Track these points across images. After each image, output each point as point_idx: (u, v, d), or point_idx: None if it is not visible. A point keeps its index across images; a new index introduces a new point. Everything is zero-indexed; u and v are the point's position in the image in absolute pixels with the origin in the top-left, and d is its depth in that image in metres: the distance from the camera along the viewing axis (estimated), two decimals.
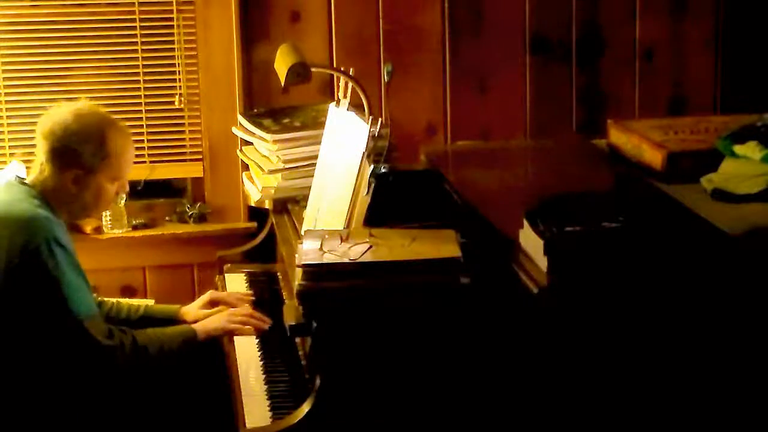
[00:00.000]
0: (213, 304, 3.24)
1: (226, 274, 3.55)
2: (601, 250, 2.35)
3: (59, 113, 3.01)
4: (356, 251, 2.56)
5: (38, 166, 3.01)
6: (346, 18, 3.96)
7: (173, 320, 3.22)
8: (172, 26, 3.89)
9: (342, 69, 3.35)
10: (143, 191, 4.01)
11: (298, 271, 2.53)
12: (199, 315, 3.21)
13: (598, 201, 2.62)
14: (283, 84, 3.32)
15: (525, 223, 2.45)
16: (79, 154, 2.96)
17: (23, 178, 3.05)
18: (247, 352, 2.98)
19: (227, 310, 3.10)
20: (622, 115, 3.91)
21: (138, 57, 3.89)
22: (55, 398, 2.86)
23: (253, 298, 3.27)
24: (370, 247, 2.58)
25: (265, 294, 3.36)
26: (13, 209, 2.91)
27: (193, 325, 3.03)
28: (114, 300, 3.30)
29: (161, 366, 2.96)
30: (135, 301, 3.33)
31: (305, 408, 2.50)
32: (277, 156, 3.52)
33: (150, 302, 3.38)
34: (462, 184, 2.99)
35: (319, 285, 2.51)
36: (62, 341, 2.85)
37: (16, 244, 2.85)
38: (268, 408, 2.69)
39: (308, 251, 2.58)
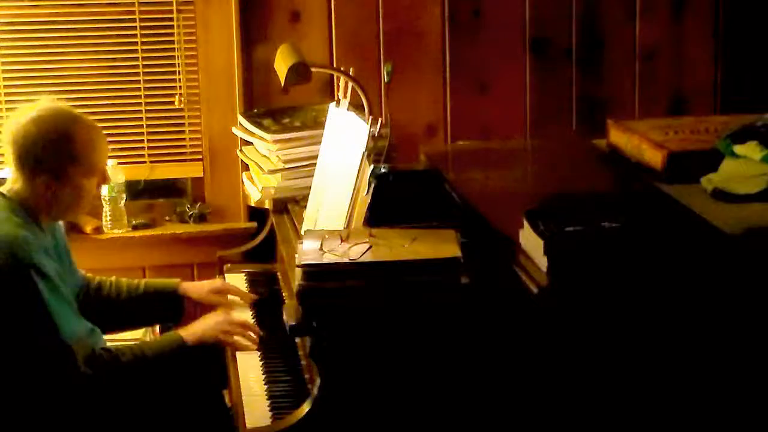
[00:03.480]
0: (220, 292, 3.29)
1: (226, 274, 3.55)
2: (601, 250, 2.34)
3: (19, 119, 2.91)
4: (356, 251, 2.56)
5: (12, 174, 2.94)
6: (346, 18, 3.96)
7: (171, 294, 3.24)
8: (172, 26, 3.89)
9: (342, 69, 3.35)
10: (143, 191, 4.01)
11: (298, 271, 2.53)
12: (207, 298, 3.25)
13: (598, 201, 2.62)
14: (283, 84, 3.32)
15: (525, 223, 2.45)
16: (42, 160, 2.88)
17: (2, 180, 2.99)
18: (247, 352, 2.98)
19: (222, 316, 3.04)
20: (622, 115, 3.91)
21: (138, 57, 3.89)
22: (40, 413, 2.84)
23: (256, 297, 3.28)
24: (370, 247, 2.58)
25: (265, 294, 3.36)
26: None
27: (183, 332, 2.95)
28: (113, 279, 3.27)
29: (151, 377, 2.92)
30: (134, 279, 3.31)
31: (305, 408, 2.50)
32: (277, 156, 3.52)
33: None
34: (462, 184, 2.99)
35: (319, 285, 2.50)
36: (42, 365, 2.79)
37: None
38: (268, 408, 2.69)
39: (308, 251, 2.58)
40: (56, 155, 2.90)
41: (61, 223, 3.10)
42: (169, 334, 3.02)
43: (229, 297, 3.29)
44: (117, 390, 2.86)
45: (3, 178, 3.03)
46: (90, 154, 2.95)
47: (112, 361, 2.85)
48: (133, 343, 3.01)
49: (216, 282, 3.35)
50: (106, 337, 3.04)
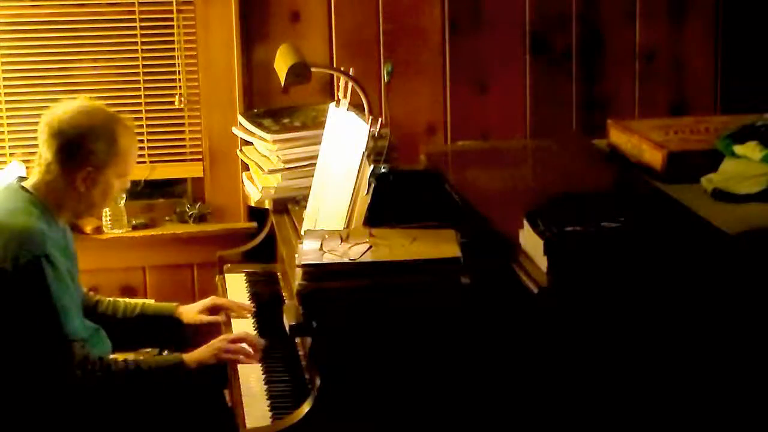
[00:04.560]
0: (213, 309, 3.24)
1: (226, 274, 3.55)
2: (601, 250, 2.35)
3: (66, 111, 2.95)
4: (356, 251, 2.56)
5: (44, 167, 2.94)
6: (346, 18, 3.96)
7: (168, 319, 3.22)
8: (172, 26, 3.89)
9: (342, 69, 3.35)
10: (143, 191, 4.01)
11: (298, 271, 2.53)
12: (196, 319, 3.21)
13: (598, 201, 2.62)
14: (283, 84, 3.32)
15: (525, 223, 2.45)
16: (92, 152, 2.91)
17: (24, 178, 3.01)
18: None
19: (221, 338, 2.98)
20: (622, 115, 3.91)
21: (138, 57, 3.89)
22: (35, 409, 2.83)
23: (254, 309, 3.23)
24: (370, 247, 2.58)
25: (265, 294, 3.36)
26: (9, 220, 2.86)
27: (184, 355, 2.93)
28: (111, 299, 3.28)
29: (144, 392, 2.89)
30: (133, 300, 3.30)
31: (305, 408, 2.50)
32: (277, 156, 3.52)
33: (149, 301, 3.36)
34: (462, 184, 2.99)
35: (319, 285, 2.50)
36: (40, 355, 2.80)
37: (6, 257, 2.80)
38: (268, 408, 2.70)
39: (308, 251, 2.58)
40: (104, 150, 2.93)
41: (69, 229, 3.11)
42: (170, 356, 3.00)
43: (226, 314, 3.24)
44: (104, 398, 2.84)
45: (23, 177, 3.03)
46: (127, 155, 2.99)
47: (102, 370, 2.84)
48: (132, 356, 3.00)
49: (207, 300, 3.28)
50: None
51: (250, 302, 3.33)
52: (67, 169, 2.93)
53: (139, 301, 3.32)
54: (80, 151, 2.92)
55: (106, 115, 2.99)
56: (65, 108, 2.97)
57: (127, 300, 3.30)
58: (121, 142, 2.96)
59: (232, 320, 3.22)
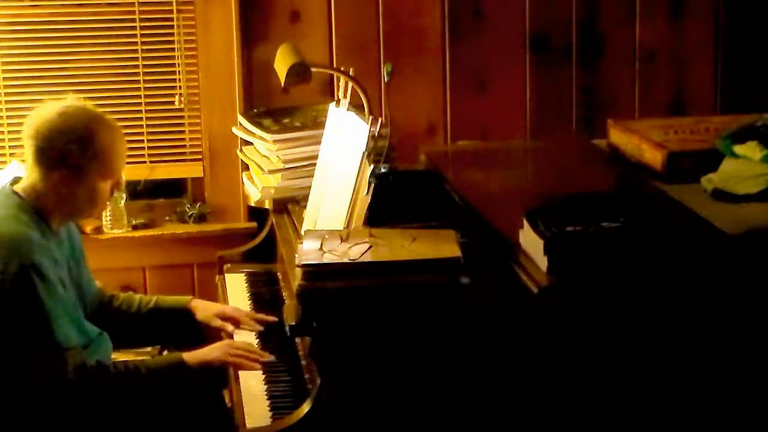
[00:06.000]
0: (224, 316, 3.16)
1: (226, 274, 3.55)
2: (601, 250, 2.35)
3: (44, 113, 2.89)
4: (356, 251, 2.56)
5: (28, 169, 2.91)
6: (346, 18, 3.96)
7: (182, 312, 3.18)
8: (172, 26, 3.89)
9: (342, 69, 3.35)
10: (143, 191, 4.01)
11: (298, 271, 2.53)
12: (209, 320, 3.14)
13: (598, 201, 2.62)
14: (283, 84, 3.32)
15: (525, 223, 2.45)
16: (65, 154, 2.85)
17: (18, 179, 2.98)
18: None
19: (227, 342, 2.95)
20: (622, 115, 3.91)
21: (138, 57, 3.89)
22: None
23: (262, 328, 3.12)
24: (370, 247, 2.58)
25: (265, 294, 3.36)
26: None
27: (184, 354, 2.89)
28: (127, 294, 3.26)
29: (144, 393, 2.86)
30: (147, 296, 3.28)
31: (305, 408, 2.50)
32: (277, 156, 3.52)
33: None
34: (462, 184, 2.99)
35: (319, 285, 2.50)
36: (32, 366, 2.76)
37: None
38: (268, 408, 2.70)
39: (308, 251, 2.58)
40: (78, 152, 2.86)
41: (75, 228, 3.09)
42: (169, 355, 2.97)
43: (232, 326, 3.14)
44: (104, 402, 2.82)
45: (18, 177, 3.01)
46: (110, 156, 2.92)
47: (100, 373, 2.82)
48: (131, 358, 2.98)
49: (226, 308, 3.21)
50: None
51: (247, 289, 3.32)
52: (44, 171, 2.88)
53: (155, 296, 3.28)
54: (54, 153, 2.86)
55: (85, 116, 2.91)
56: (46, 109, 2.92)
57: (142, 295, 3.28)
58: (100, 143, 2.88)
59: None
